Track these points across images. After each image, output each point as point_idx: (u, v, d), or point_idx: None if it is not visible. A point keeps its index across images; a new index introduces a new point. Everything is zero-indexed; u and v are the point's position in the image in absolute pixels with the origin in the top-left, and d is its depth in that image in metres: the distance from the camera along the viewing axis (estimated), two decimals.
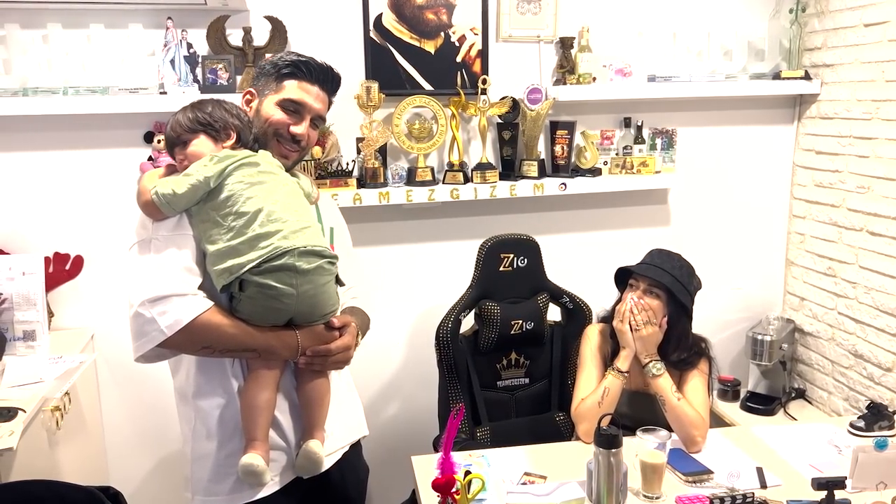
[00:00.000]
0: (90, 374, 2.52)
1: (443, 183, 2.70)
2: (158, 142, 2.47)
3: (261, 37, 2.50)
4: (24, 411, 1.82)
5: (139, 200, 1.48)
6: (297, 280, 1.42)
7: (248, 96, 1.67)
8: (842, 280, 2.83)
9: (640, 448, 1.74)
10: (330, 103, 1.72)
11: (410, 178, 2.68)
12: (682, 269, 2.08)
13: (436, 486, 1.39)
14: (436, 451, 2.27)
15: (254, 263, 1.39)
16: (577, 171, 2.82)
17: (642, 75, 2.78)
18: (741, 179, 3.06)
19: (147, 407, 2.67)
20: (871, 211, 2.65)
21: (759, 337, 2.92)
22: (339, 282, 1.56)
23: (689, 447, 1.94)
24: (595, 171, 2.82)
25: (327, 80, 1.65)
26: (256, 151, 1.54)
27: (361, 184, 2.62)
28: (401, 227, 2.79)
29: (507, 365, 2.43)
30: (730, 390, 3.03)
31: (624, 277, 2.17)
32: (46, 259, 2.43)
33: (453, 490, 1.43)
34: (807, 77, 2.88)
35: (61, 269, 2.51)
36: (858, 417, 2.07)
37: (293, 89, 1.61)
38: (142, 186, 1.47)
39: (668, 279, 2.03)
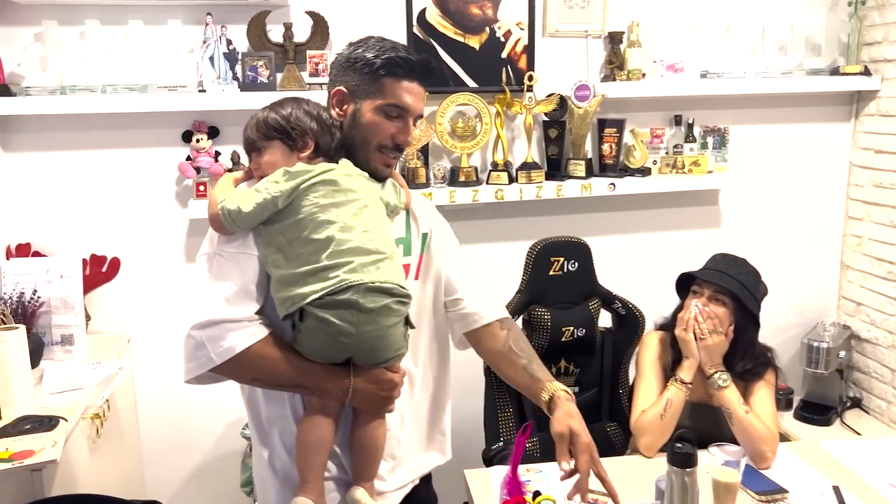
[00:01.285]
0: (127, 380, 2.46)
1: (486, 183, 2.61)
2: (197, 141, 2.40)
3: (302, 33, 2.43)
4: (66, 420, 1.76)
5: (208, 211, 1.35)
6: (358, 318, 1.27)
7: (339, 96, 1.44)
8: None
9: (711, 465, 1.64)
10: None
11: (453, 179, 2.60)
12: (748, 275, 1.98)
13: None
14: (486, 464, 2.18)
15: (317, 295, 1.26)
16: (625, 171, 2.72)
17: (694, 71, 2.68)
18: (795, 180, 2.94)
19: (183, 412, 2.61)
20: None
21: (816, 344, 2.80)
22: (408, 324, 1.38)
23: (757, 463, 1.83)
24: (644, 171, 2.72)
25: (428, 74, 1.46)
26: (337, 162, 1.39)
27: None
28: None
29: (556, 373, 2.33)
30: (783, 398, 2.91)
31: (686, 283, 2.06)
32: (83, 261, 2.37)
33: None
34: (866, 72, 2.76)
35: (98, 272, 2.45)
36: None
37: (395, 91, 1.40)
38: (212, 196, 1.35)
39: (736, 286, 1.93)
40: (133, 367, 2.52)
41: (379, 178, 1.44)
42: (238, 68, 2.35)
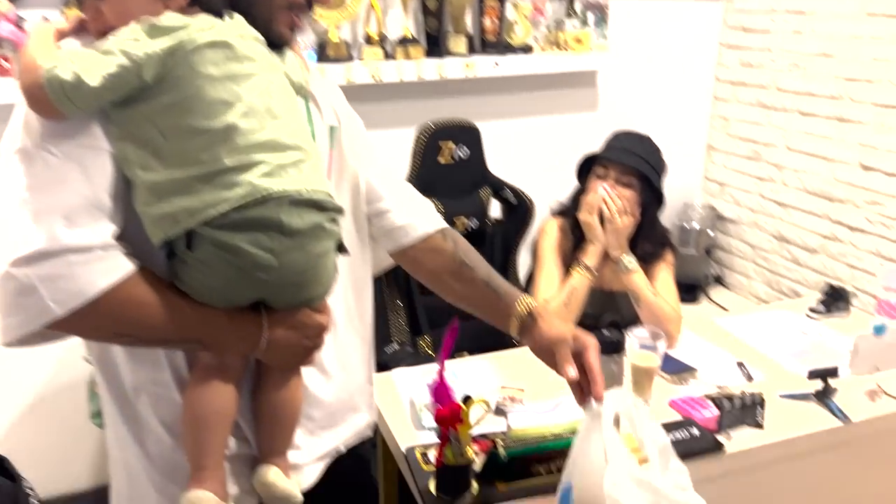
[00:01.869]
0: None
1: (359, 60, 2.31)
2: None
3: None
4: None
5: (24, 81, 0.85)
6: (281, 244, 0.89)
7: None
8: (767, 163, 2.78)
9: (629, 350, 1.57)
10: None
11: (321, 55, 2.27)
12: (655, 154, 1.89)
13: (441, 418, 1.14)
14: (380, 369, 2.01)
15: (217, 212, 0.86)
16: (507, 49, 2.52)
17: None
18: (667, 61, 2.89)
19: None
20: (803, 90, 2.57)
21: (686, 225, 2.86)
22: (341, 249, 1.01)
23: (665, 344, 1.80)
24: (526, 48, 2.53)
25: None
26: (223, 18, 0.92)
27: None
28: None
29: None
30: None
31: (587, 166, 1.94)
32: None
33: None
34: None
35: None
36: (818, 302, 2.03)
37: None
38: (28, 59, 0.85)
39: (645, 166, 1.84)
40: None
41: (278, 46, 1.00)
42: None
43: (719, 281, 3.09)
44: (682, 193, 3.08)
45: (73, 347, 2.19)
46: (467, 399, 1.22)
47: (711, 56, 2.96)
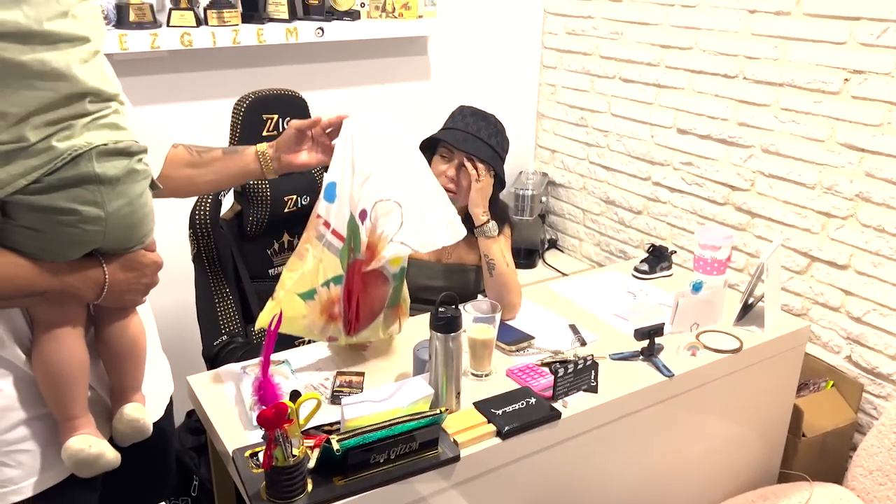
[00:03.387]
0: None
1: (168, 26, 2.10)
2: None
3: None
4: None
5: None
6: (102, 194, 0.92)
7: None
8: (593, 129, 2.87)
9: (466, 324, 1.54)
10: None
11: (122, 19, 2.03)
12: (497, 136, 1.85)
13: (264, 419, 1.04)
14: (210, 364, 1.86)
15: (27, 180, 0.87)
16: (332, 14, 2.39)
17: None
18: (494, 28, 2.89)
19: None
20: (624, 57, 2.67)
21: (521, 192, 2.90)
22: (153, 186, 1.05)
23: (506, 315, 1.80)
24: (353, 14, 2.42)
25: None
26: None
27: None
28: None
29: (279, 249, 2.05)
30: None
31: (432, 143, 1.88)
32: None
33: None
34: None
35: None
36: (641, 261, 2.12)
37: None
38: None
39: (488, 153, 1.80)
40: None
41: None
42: None
43: (554, 245, 3.18)
44: (516, 161, 3.12)
45: None
46: (295, 395, 1.13)
47: (538, 23, 3.00)
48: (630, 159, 2.73)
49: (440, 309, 1.37)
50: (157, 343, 1.30)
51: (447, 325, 1.36)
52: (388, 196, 1.40)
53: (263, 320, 1.41)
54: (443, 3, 2.68)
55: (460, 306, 1.54)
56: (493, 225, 1.80)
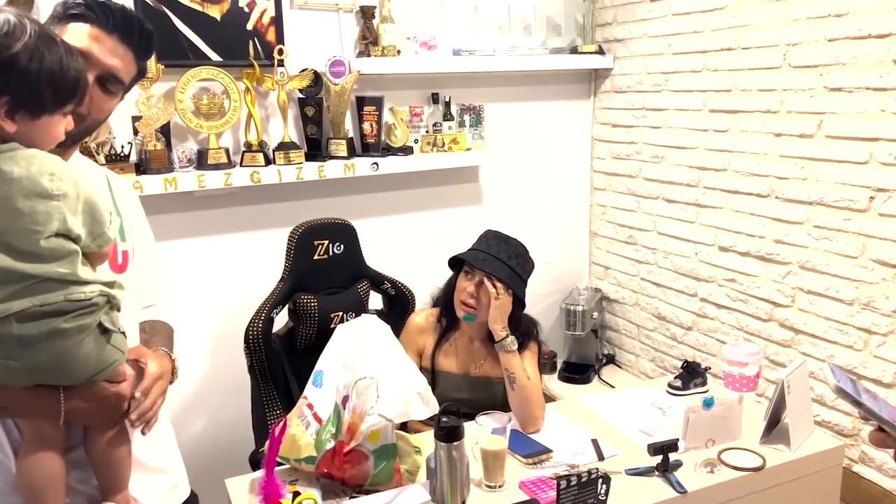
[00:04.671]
0: None
1: (241, 165, 2.42)
2: None
3: None
4: None
5: None
6: (19, 351, 1.01)
7: None
8: (642, 247, 2.96)
9: (479, 435, 1.63)
10: (139, 69, 1.25)
11: (202, 162, 2.36)
12: (518, 258, 1.99)
13: None
14: (253, 468, 2.01)
15: None
16: (388, 150, 2.67)
17: (447, 49, 2.69)
18: (545, 155, 3.09)
19: None
20: (665, 179, 2.78)
21: (572, 307, 2.98)
22: (105, 331, 1.09)
23: (528, 428, 1.87)
24: (406, 150, 2.69)
25: (130, 30, 1.19)
26: None
27: (141, 170, 2.26)
28: (194, 217, 2.45)
29: None
30: (547, 362, 3.07)
31: (459, 261, 2.05)
32: None
33: None
34: (600, 52, 2.96)
35: None
36: (675, 377, 2.13)
37: (78, 34, 1.15)
38: None
39: (506, 272, 1.94)
40: None
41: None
42: None
43: (612, 360, 3.20)
44: (569, 277, 3.24)
45: None
46: (296, 495, 1.25)
47: (587, 149, 3.18)
48: (677, 276, 2.78)
49: (443, 419, 1.47)
50: (169, 451, 1.42)
51: (449, 434, 1.46)
52: (367, 374, 1.54)
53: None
54: (491, 134, 2.92)
55: (478, 417, 1.65)
56: (511, 340, 1.90)
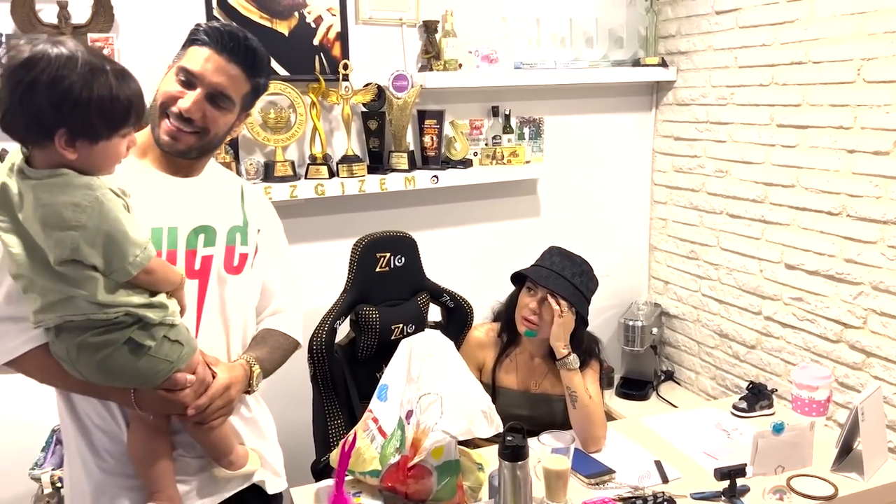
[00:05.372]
0: None
1: (305, 178, 2.46)
2: None
3: (81, 13, 2.14)
4: None
5: None
6: (66, 356, 1.16)
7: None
8: (704, 262, 2.90)
9: (542, 454, 1.62)
10: (254, 86, 1.34)
11: (268, 174, 2.42)
12: (582, 276, 1.98)
13: None
14: (316, 478, 2.05)
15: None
16: (447, 163, 2.68)
17: (508, 62, 2.69)
18: (605, 168, 3.07)
19: None
20: (729, 194, 2.73)
21: (631, 323, 2.95)
22: (138, 345, 1.16)
23: (590, 447, 1.86)
24: (466, 163, 2.70)
25: (238, 49, 1.28)
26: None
27: None
28: None
29: None
30: (604, 378, 3.03)
31: (521, 276, 2.05)
32: None
33: None
34: (663, 64, 2.93)
35: None
36: (740, 399, 2.09)
37: (194, 56, 1.28)
38: None
39: (570, 290, 1.93)
40: None
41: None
42: (1, 51, 2.02)
43: (671, 377, 3.15)
44: (628, 292, 3.20)
45: (21, 460, 2.23)
46: None
47: (647, 162, 3.14)
48: (741, 293, 2.72)
49: (507, 437, 1.47)
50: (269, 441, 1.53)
51: (514, 453, 1.46)
52: (431, 390, 1.56)
53: (334, 459, 1.61)
54: (551, 147, 2.91)
55: (541, 436, 1.64)
56: (573, 358, 1.89)
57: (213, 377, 1.27)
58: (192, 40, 1.31)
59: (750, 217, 2.64)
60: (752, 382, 2.12)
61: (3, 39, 2.02)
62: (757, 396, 2.07)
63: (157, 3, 2.25)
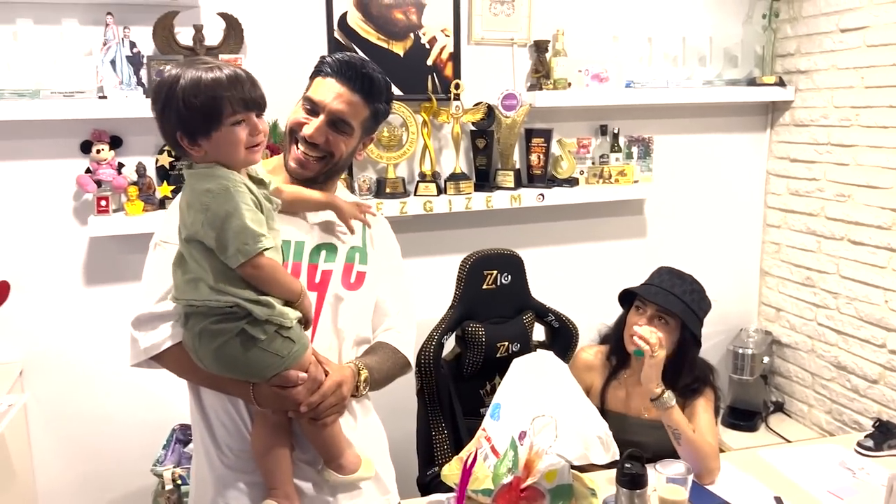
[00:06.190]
0: (19, 417, 2.21)
1: (414, 195, 2.51)
2: (97, 152, 2.19)
3: (214, 36, 2.27)
4: None
5: None
6: (191, 341, 1.25)
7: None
8: (821, 290, 2.77)
9: (658, 483, 1.58)
10: (373, 111, 1.41)
11: (379, 190, 2.49)
12: (693, 294, 1.93)
13: None
14: (421, 491, 2.07)
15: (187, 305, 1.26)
16: (553, 182, 2.68)
17: (619, 81, 2.67)
18: (715, 188, 2.98)
19: (84, 450, 2.37)
20: (852, 220, 2.60)
21: (741, 351, 2.84)
22: (250, 337, 1.22)
23: (703, 479, 1.79)
24: (572, 181, 2.68)
25: (355, 77, 1.36)
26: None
27: None
28: None
29: (490, 390, 2.25)
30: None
31: (630, 295, 2.02)
32: None
33: None
34: (781, 83, 2.83)
35: None
36: (866, 436, 1.97)
37: (319, 87, 1.38)
38: None
39: (680, 307, 1.88)
40: (26, 402, 2.27)
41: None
42: (143, 73, 2.17)
43: (780, 408, 3.01)
44: (737, 318, 3.09)
45: (143, 458, 2.35)
46: None
47: (760, 184, 3.03)
48: (862, 324, 2.58)
49: (626, 465, 1.45)
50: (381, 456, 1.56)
51: (632, 481, 1.43)
52: (545, 412, 1.54)
53: (447, 475, 1.62)
54: (660, 166, 2.86)
55: (657, 464, 1.60)
56: (668, 395, 1.80)
57: (326, 375, 1.32)
58: (316, 72, 1.41)
59: (875, 244, 2.50)
60: (878, 420, 2.00)
61: (145, 60, 2.16)
62: (885, 435, 1.95)
63: (283, 26, 2.36)
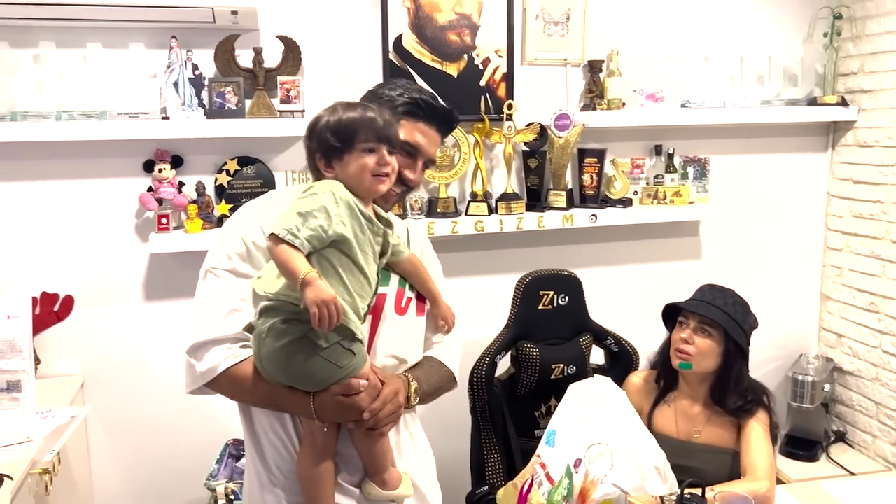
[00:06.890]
0: (80, 429, 2.27)
1: (466, 214, 2.52)
2: (160, 171, 2.26)
3: (273, 58, 2.32)
4: (12, 479, 1.58)
5: None
6: (256, 343, 1.27)
7: None
8: (886, 316, 2.67)
9: None
10: (443, 141, 1.57)
11: (431, 210, 2.50)
12: (735, 306, 1.91)
13: None
14: None
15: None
16: (606, 202, 2.65)
17: (674, 101, 2.64)
18: (774, 210, 2.91)
19: (142, 462, 2.42)
20: None
21: (800, 377, 2.75)
22: (312, 343, 1.24)
23: None
24: (626, 202, 2.65)
25: (443, 121, 1.48)
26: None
27: None
28: None
29: (545, 412, 2.22)
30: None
31: (673, 314, 1.99)
32: (33, 300, 2.19)
33: None
34: (843, 103, 2.75)
35: (49, 311, 2.26)
36: None
37: (409, 129, 1.44)
38: None
39: (721, 316, 1.86)
40: (87, 414, 2.33)
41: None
42: (205, 94, 2.23)
43: (842, 438, 2.90)
44: (796, 344, 3.00)
45: (197, 472, 2.38)
46: None
47: (821, 206, 2.95)
48: None
49: (685, 494, 1.41)
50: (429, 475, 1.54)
51: None
52: (601, 440, 1.52)
53: (502, 500, 1.60)
54: (715, 188, 2.80)
55: (715, 494, 1.55)
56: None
57: (383, 384, 1.34)
58: (408, 113, 1.45)
59: None
60: None
61: (207, 82, 2.22)
62: None
63: (339, 48, 2.40)
